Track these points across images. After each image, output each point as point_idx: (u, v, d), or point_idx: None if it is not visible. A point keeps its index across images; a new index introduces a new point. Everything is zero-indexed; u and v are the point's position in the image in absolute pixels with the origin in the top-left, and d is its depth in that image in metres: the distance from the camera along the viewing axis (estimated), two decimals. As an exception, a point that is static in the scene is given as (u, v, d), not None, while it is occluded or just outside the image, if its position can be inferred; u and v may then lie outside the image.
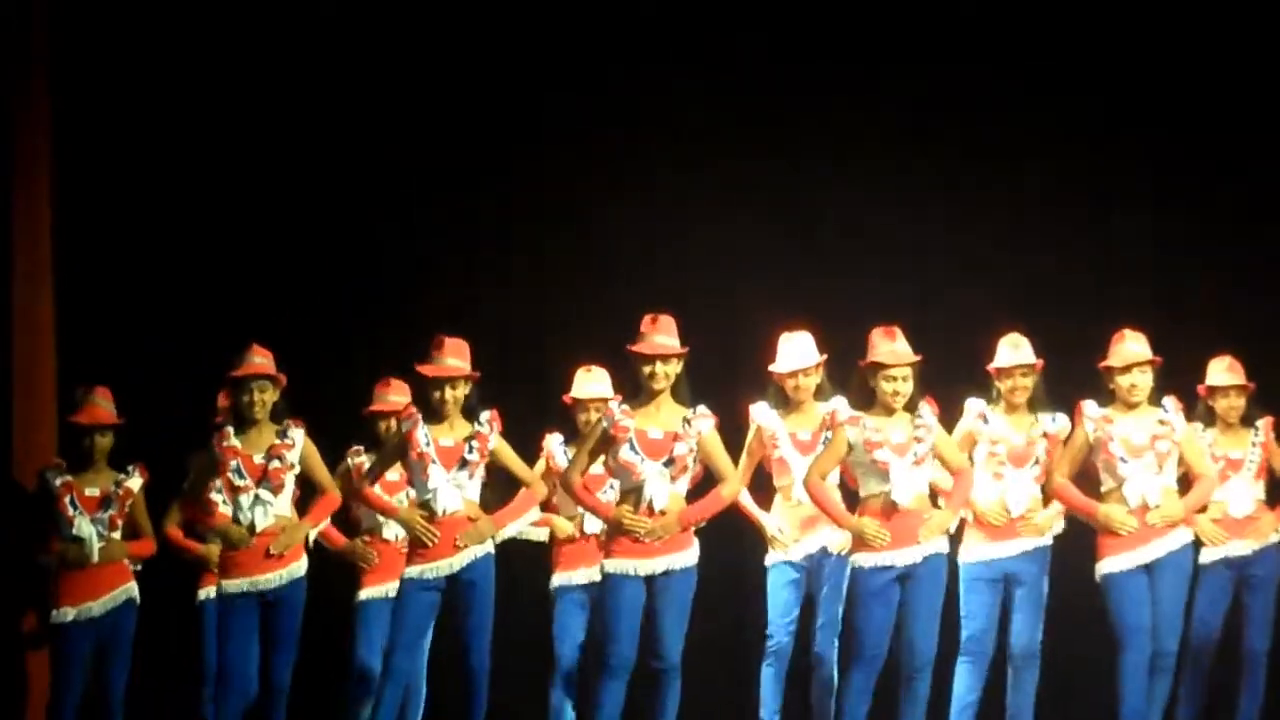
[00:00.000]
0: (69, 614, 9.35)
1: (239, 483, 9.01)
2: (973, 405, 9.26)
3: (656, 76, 11.00)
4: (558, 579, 9.67)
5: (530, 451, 9.42)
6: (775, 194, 11.05)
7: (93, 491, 9.45)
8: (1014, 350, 9.25)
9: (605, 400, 9.38)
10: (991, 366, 9.27)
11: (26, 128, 10.48)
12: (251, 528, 9.02)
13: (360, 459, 9.67)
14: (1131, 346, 9.15)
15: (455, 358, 8.90)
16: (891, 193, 10.92)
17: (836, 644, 9.16)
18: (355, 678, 9.68)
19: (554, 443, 9.66)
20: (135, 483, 9.53)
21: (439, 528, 8.85)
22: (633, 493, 8.75)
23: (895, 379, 8.82)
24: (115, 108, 10.91)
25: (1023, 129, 10.87)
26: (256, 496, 9.02)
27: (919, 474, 8.81)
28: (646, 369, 8.77)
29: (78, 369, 9.98)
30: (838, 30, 11.02)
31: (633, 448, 8.73)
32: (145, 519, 9.59)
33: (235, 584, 9.00)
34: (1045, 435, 9.22)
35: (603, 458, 8.89)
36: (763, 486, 9.39)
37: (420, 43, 11.10)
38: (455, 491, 8.87)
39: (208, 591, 9.75)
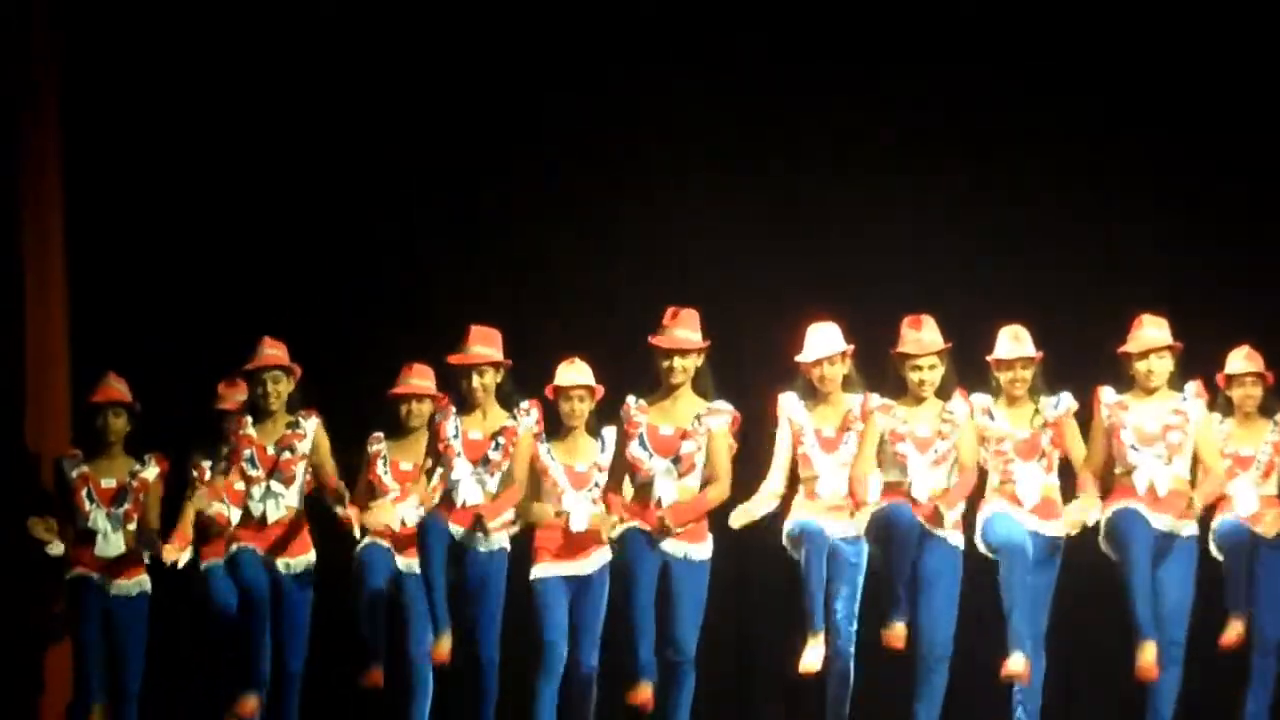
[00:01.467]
0: (80, 573, 9.32)
1: (252, 473, 9.03)
2: (977, 401, 9.25)
3: (657, 76, 11.00)
4: (538, 570, 9.40)
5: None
6: (777, 193, 11.06)
7: (109, 482, 9.42)
8: (1014, 342, 9.23)
9: (587, 388, 9.20)
10: (991, 358, 9.26)
11: (35, 126, 10.48)
12: (263, 519, 9.03)
13: (379, 445, 9.62)
14: (1150, 332, 9.12)
15: (482, 345, 8.88)
16: (892, 191, 10.94)
17: (854, 638, 9.18)
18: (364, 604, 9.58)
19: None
20: (151, 473, 9.48)
21: (460, 518, 8.81)
22: (644, 489, 8.75)
23: (921, 368, 8.86)
24: (123, 107, 10.89)
25: (1024, 126, 10.90)
26: (268, 488, 9.02)
27: (938, 471, 8.83)
28: (664, 363, 8.79)
29: (90, 365, 9.97)
30: (838, 31, 11.02)
31: (642, 444, 8.74)
32: (155, 513, 9.48)
33: (246, 547, 9.02)
34: (1048, 424, 9.20)
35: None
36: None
37: (422, 43, 11.07)
38: (477, 486, 8.86)
39: (211, 562, 9.70)
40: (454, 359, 8.88)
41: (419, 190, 11.13)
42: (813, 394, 9.25)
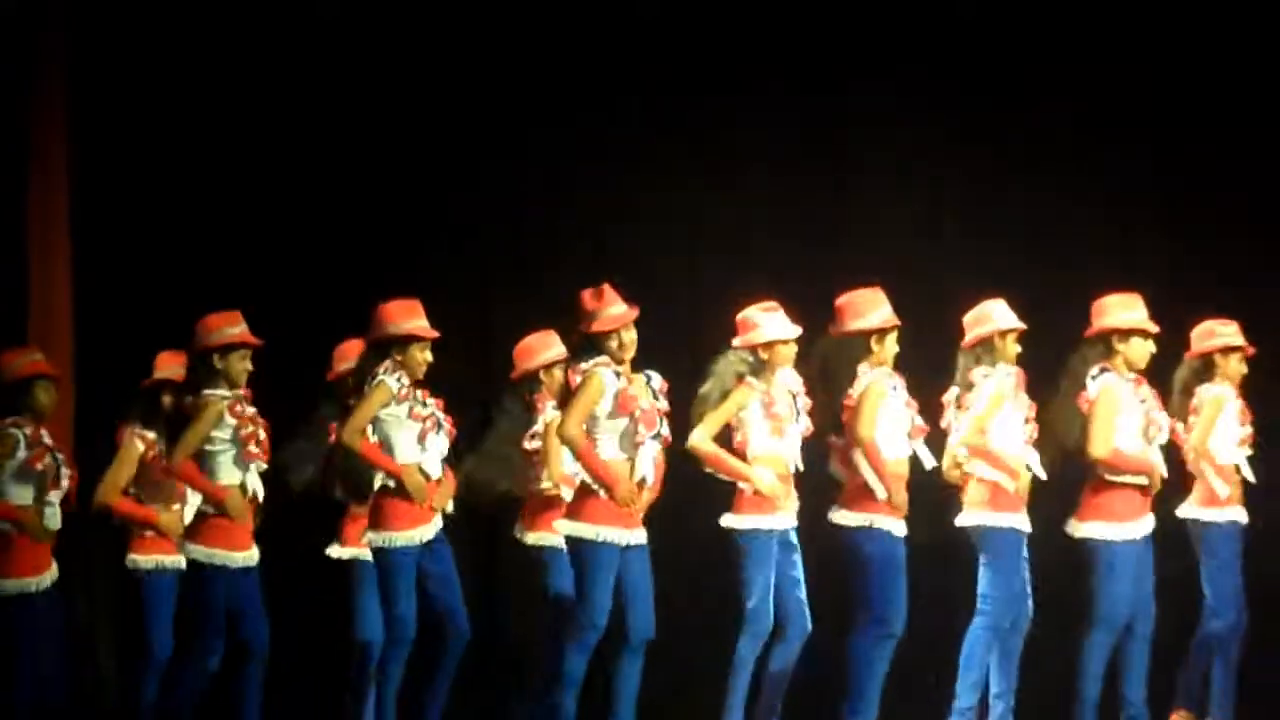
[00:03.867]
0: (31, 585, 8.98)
1: (256, 451, 8.82)
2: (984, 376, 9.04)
3: (655, 75, 11.08)
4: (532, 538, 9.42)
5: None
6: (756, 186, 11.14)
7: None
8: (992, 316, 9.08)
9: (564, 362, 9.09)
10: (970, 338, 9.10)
11: (41, 124, 10.68)
12: (254, 497, 8.84)
13: None
14: (1141, 313, 8.93)
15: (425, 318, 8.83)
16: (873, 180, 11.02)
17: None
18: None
19: None
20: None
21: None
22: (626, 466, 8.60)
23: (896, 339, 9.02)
24: (129, 108, 11.03)
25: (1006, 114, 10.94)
26: (258, 468, 8.89)
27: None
28: (613, 344, 8.57)
29: (95, 361, 10.25)
30: (838, 30, 11.08)
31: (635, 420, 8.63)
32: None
33: (210, 554, 8.83)
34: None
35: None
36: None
37: (426, 48, 11.16)
38: (439, 457, 8.85)
39: (152, 560, 9.50)
40: (420, 332, 8.69)
41: (420, 187, 11.18)
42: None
